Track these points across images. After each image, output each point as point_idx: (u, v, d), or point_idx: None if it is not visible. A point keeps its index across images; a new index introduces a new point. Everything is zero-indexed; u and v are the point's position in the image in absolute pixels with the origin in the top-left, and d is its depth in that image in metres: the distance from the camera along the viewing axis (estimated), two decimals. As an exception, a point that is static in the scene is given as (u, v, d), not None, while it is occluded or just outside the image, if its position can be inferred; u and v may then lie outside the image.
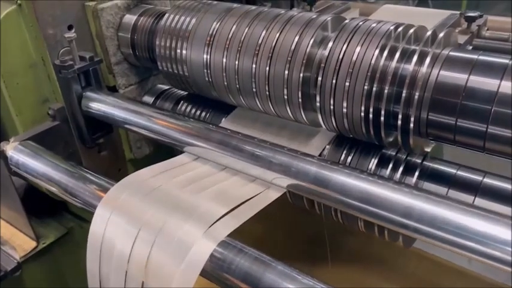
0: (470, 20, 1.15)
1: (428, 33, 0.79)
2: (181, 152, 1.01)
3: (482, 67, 0.72)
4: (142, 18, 1.18)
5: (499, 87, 0.69)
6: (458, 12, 1.26)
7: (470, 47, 1.13)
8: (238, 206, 0.80)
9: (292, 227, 1.42)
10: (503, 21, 1.40)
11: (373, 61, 0.78)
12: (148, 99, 1.30)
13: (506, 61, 0.71)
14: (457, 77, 0.73)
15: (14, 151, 1.06)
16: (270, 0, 1.92)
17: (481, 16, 1.16)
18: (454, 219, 0.65)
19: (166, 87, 1.31)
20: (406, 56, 0.79)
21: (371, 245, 1.31)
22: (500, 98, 0.69)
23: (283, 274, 0.68)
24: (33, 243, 1.28)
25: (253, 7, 1.00)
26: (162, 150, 1.21)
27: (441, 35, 0.78)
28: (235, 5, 1.04)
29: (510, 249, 0.61)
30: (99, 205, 0.87)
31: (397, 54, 0.78)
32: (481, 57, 0.74)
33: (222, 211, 0.79)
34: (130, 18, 1.20)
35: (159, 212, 0.81)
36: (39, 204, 1.30)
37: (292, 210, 1.13)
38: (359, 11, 1.52)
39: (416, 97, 0.75)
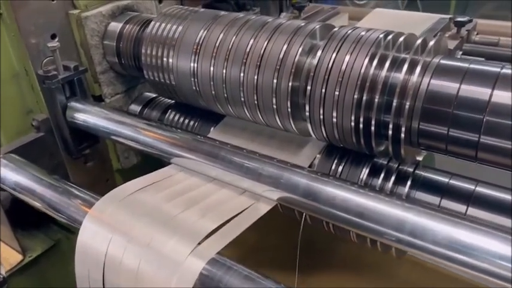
0: (459, 25, 1.15)
1: (419, 41, 0.78)
2: (170, 163, 0.99)
3: (473, 76, 0.71)
4: (128, 26, 1.16)
5: (490, 96, 0.68)
6: (448, 16, 1.25)
7: (460, 52, 1.12)
8: (228, 221, 0.78)
9: (285, 234, 1.41)
10: (493, 24, 1.40)
11: (362, 70, 0.77)
12: (136, 107, 1.27)
13: (498, 69, 0.70)
14: (449, 86, 0.72)
15: (-4, 165, 1.03)
16: (259, 5, 1.91)
17: (470, 21, 1.15)
18: (447, 232, 0.64)
19: (153, 95, 1.29)
20: (396, 64, 0.78)
21: (364, 252, 1.30)
22: (492, 107, 0.68)
23: (274, 291, 0.66)
24: (20, 257, 1.25)
25: (241, 15, 0.99)
26: (150, 160, 1.18)
27: (431, 42, 0.77)
28: (222, 12, 1.02)
29: (502, 262, 0.60)
30: (86, 218, 0.84)
31: (387, 63, 0.76)
32: (472, 66, 0.73)
33: (210, 227, 0.77)
34: (115, 26, 1.17)
35: (146, 227, 0.79)
36: (25, 217, 1.27)
37: (284, 217, 1.11)
38: (349, 16, 1.52)
39: (407, 106, 0.73)
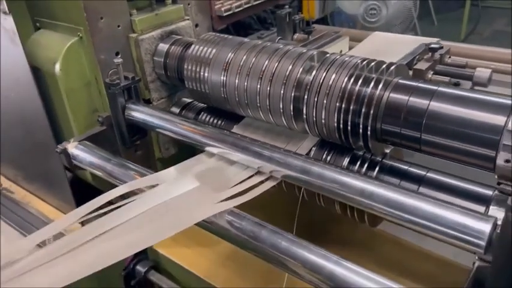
0: (433, 50, 1.44)
1: (384, 65, 1.08)
2: (201, 151, 1.32)
3: (419, 91, 1.01)
4: (172, 46, 1.48)
5: (428, 105, 0.98)
6: (429, 41, 1.55)
7: (432, 72, 1.42)
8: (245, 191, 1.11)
9: (284, 216, 1.67)
10: (468, 48, 1.69)
11: (343, 85, 1.07)
12: (175, 110, 1.58)
13: (435, 88, 1.00)
14: (401, 98, 1.02)
15: (74, 149, 1.37)
16: (275, 25, 2.22)
17: (441, 47, 1.45)
18: (394, 197, 0.94)
19: (189, 100, 1.59)
20: (367, 82, 1.08)
21: (353, 232, 1.55)
22: (429, 113, 0.98)
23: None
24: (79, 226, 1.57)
25: (260, 42, 1.31)
26: (185, 151, 1.51)
27: (392, 67, 1.08)
28: (245, 39, 1.34)
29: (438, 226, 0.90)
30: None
31: (360, 81, 1.07)
32: (419, 85, 1.03)
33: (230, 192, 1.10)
34: (163, 47, 1.50)
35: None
36: (84, 194, 1.60)
37: (287, 199, 1.40)
38: (350, 38, 1.81)
39: (372, 112, 1.04)
